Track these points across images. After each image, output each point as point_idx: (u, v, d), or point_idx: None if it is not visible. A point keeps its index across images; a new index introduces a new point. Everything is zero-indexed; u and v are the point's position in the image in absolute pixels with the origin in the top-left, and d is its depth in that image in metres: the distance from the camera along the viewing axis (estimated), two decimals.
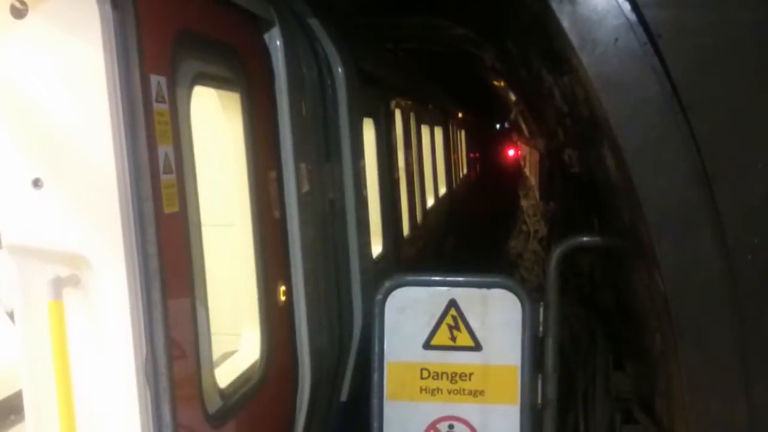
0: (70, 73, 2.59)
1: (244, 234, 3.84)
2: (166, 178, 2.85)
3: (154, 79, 2.80)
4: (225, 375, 3.54)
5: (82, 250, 2.67)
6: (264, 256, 3.86)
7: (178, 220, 2.97)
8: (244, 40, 3.89)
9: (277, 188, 4.11)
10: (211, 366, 3.29)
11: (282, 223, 4.16)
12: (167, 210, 2.85)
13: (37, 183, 2.63)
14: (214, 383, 3.30)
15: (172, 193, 2.90)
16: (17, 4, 2.55)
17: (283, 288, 4.10)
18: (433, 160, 12.29)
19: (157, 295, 2.76)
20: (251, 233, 3.82)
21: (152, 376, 2.76)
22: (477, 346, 4.18)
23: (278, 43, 4.12)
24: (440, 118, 14.06)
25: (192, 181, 3.12)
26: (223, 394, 3.36)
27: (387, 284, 4.23)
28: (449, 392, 4.21)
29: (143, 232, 2.71)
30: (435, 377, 4.21)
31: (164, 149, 2.85)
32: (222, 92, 3.72)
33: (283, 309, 4.12)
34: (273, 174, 4.07)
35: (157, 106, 2.80)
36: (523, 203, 20.69)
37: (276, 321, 3.98)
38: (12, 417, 4.17)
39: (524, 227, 18.18)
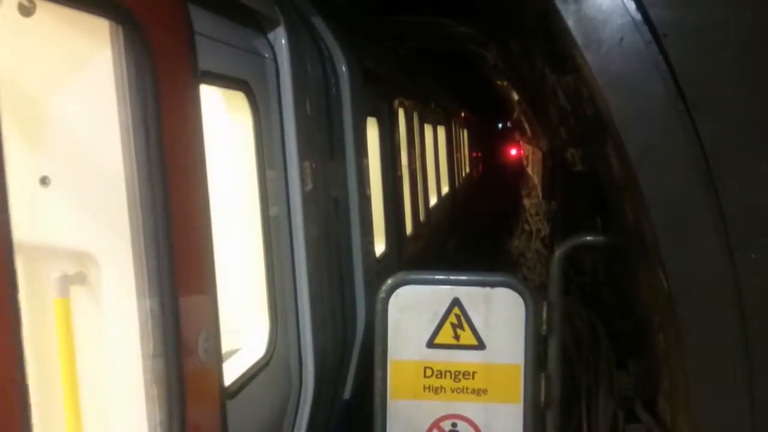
0: (77, 70, 2.59)
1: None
2: None
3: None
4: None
5: (89, 247, 2.68)
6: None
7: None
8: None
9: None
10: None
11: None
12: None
13: (44, 181, 2.64)
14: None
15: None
16: (25, 2, 2.54)
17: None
18: (436, 159, 12.30)
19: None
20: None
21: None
22: (480, 345, 4.17)
23: (283, 42, 4.13)
24: (443, 117, 14.07)
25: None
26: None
27: (390, 282, 4.22)
28: (452, 391, 4.21)
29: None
30: (438, 376, 4.21)
31: None
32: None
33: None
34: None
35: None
36: (526, 202, 20.65)
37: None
38: None
39: (527, 226, 18.14)
